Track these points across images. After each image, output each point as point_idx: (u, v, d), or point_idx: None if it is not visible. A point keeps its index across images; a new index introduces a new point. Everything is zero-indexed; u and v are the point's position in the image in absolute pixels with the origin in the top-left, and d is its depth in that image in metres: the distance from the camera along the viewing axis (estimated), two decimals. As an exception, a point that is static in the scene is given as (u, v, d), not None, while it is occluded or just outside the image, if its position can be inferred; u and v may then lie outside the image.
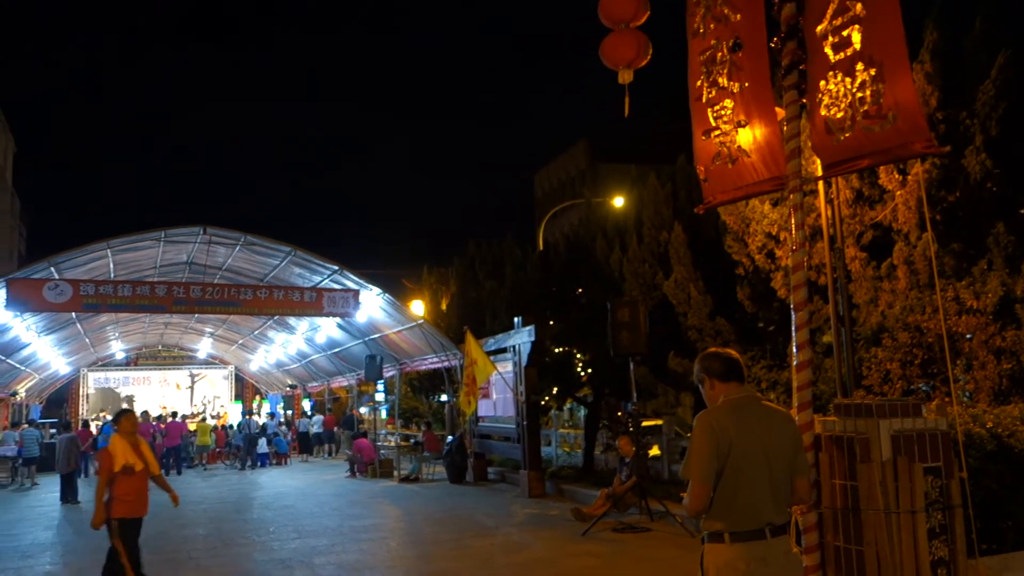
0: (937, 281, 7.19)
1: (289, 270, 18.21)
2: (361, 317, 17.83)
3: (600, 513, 10.45)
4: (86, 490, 17.86)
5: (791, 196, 4.49)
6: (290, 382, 32.21)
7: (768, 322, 10.85)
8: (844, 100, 4.31)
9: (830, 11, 4.36)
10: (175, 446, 22.02)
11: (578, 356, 15.98)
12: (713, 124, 5.05)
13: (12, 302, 14.32)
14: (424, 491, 15.80)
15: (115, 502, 6.74)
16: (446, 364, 18.37)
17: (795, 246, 4.46)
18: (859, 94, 4.25)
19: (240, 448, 24.14)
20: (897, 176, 8.32)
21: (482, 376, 15.20)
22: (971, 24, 8.38)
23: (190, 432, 23.94)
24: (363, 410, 28.80)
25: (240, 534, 11.33)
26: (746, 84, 4.84)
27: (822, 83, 4.42)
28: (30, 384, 28.50)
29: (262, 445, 23.51)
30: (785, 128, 4.55)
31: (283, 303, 16.88)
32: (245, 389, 35.91)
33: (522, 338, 14.65)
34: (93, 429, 23.73)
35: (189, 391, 33.97)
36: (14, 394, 27.03)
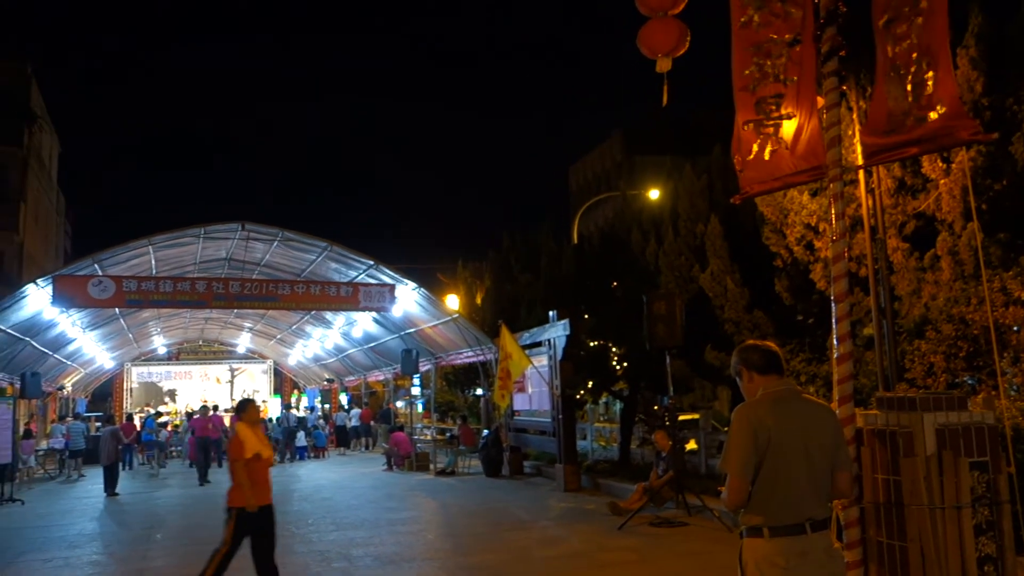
0: (984, 271, 7.00)
1: (325, 265, 18.38)
2: (397, 311, 17.94)
3: (637, 507, 10.39)
4: (129, 483, 18.27)
5: (831, 185, 4.41)
6: (327, 376, 32.57)
7: (807, 315, 10.67)
8: (901, 91, 4.23)
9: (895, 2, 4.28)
10: (216, 439, 22.38)
11: (614, 350, 15.90)
12: (758, 115, 4.96)
13: (58, 298, 14.66)
14: (460, 484, 15.87)
15: (240, 490, 6.75)
16: (481, 358, 18.41)
17: (835, 236, 4.38)
18: (911, 85, 4.16)
19: (279, 441, 24.48)
20: (941, 164, 8.12)
21: (517, 370, 15.21)
22: (1016, 7, 8.14)
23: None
24: (399, 404, 29.03)
25: (280, 526, 11.39)
26: (795, 77, 4.77)
27: (883, 74, 4.33)
28: (76, 378, 29.21)
29: (300, 438, 23.81)
30: (824, 116, 4.46)
31: (320, 298, 17.06)
32: (283, 383, 36.40)
33: (557, 332, 14.62)
34: (137, 422, 24.28)
35: (229, 385, 34.50)
36: (61, 388, 27.72)
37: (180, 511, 13.63)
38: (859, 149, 6.84)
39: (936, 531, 3.86)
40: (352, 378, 30.64)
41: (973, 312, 7.73)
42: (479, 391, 22.24)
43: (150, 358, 33.64)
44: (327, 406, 32.83)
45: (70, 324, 19.02)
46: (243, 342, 33.11)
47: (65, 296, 14.70)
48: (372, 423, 27.36)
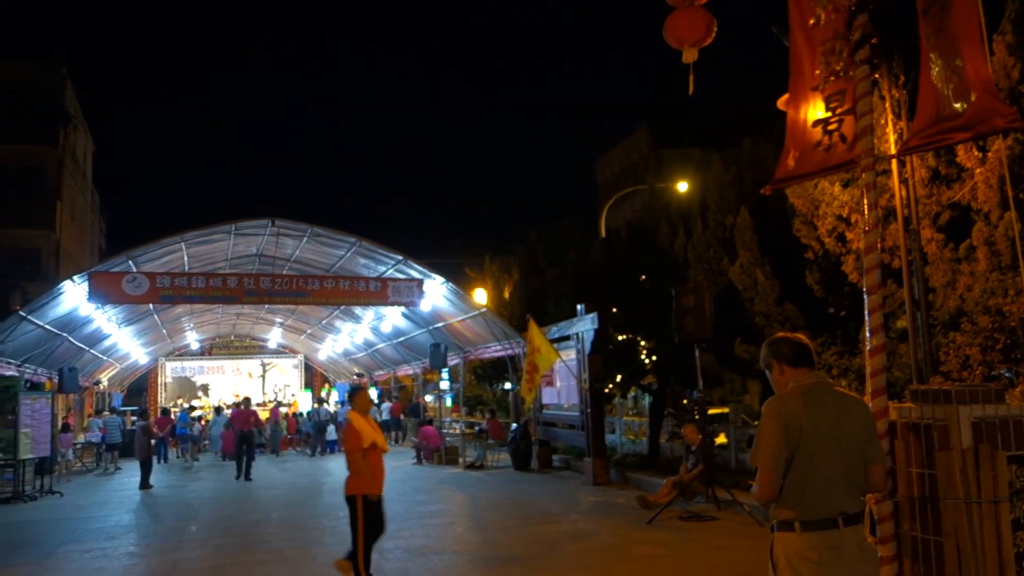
0: (1022, 262, 6.85)
1: (354, 260, 18.51)
2: (425, 306, 18.01)
3: (666, 501, 10.35)
4: (163, 476, 18.59)
5: (863, 175, 4.34)
6: (357, 370, 32.81)
7: (839, 307, 10.54)
8: (940, 79, 4.16)
9: None
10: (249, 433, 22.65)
11: (642, 343, 15.84)
12: (826, 114, 4.91)
13: (94, 295, 14.92)
14: (489, 478, 15.93)
15: (360, 479, 6.87)
16: (509, 352, 18.44)
17: (868, 227, 4.31)
18: (947, 72, 4.09)
19: (310, 435, 24.75)
20: (977, 153, 7.96)
21: (545, 364, 15.21)
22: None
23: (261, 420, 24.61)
24: (428, 398, 29.18)
25: (311, 518, 11.62)
26: (852, 73, 4.73)
27: (928, 61, 4.27)
28: (112, 373, 29.75)
29: (331, 432, 24.04)
30: (856, 105, 4.39)
31: (349, 293, 17.19)
32: (314, 378, 36.74)
33: (585, 326, 14.59)
34: (172, 417, 24.66)
35: (261, 380, 34.90)
36: (98, 383, 28.25)
37: (213, 504, 13.84)
38: (892, 138, 6.75)
39: (972, 526, 3.80)
40: (381, 372, 30.84)
41: (1010, 304, 7.58)
42: (507, 385, 22.28)
43: (183, 353, 34.13)
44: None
45: (105, 320, 19.36)
46: (274, 337, 33.47)
47: (101, 292, 14.96)
48: (402, 417, 27.54)
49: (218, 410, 27.16)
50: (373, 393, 32.49)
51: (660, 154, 42.35)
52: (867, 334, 4.28)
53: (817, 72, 4.99)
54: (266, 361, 35.34)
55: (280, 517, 11.99)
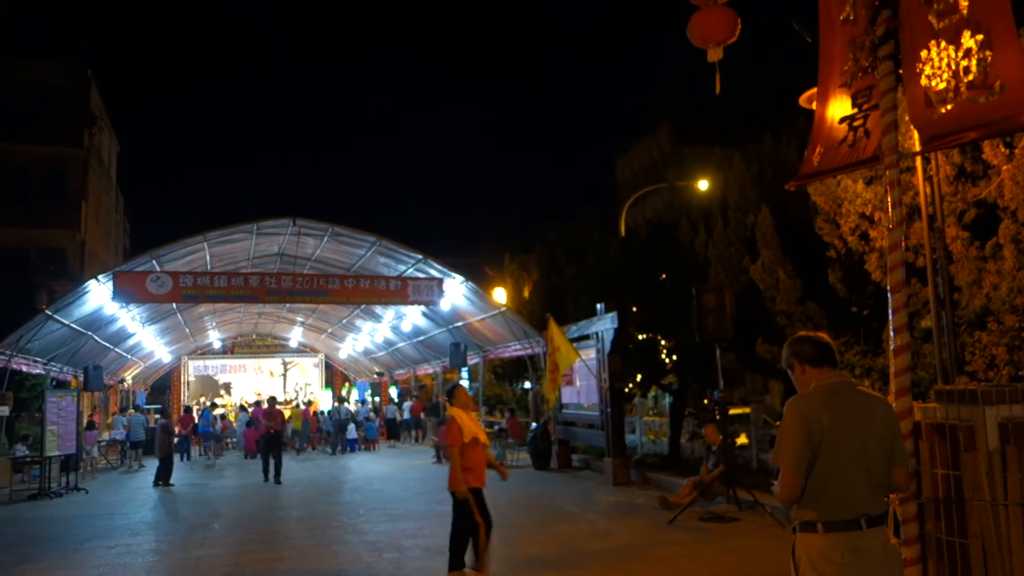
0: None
1: (375, 260, 18.59)
2: (445, 305, 18.06)
3: (687, 502, 10.30)
4: (186, 473, 18.77)
5: (887, 173, 4.29)
6: (377, 370, 32.96)
7: (862, 306, 10.43)
8: (947, 70, 4.07)
9: None
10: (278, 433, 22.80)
11: (662, 343, 15.77)
12: (853, 110, 4.86)
13: (118, 294, 15.10)
14: (509, 477, 15.92)
15: (465, 473, 6.95)
16: (529, 351, 18.43)
17: (892, 224, 4.26)
18: (964, 63, 4.00)
19: (330, 433, 24.89)
20: (1003, 150, 7.84)
21: (565, 363, 15.20)
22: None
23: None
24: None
25: (332, 516, 11.68)
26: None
27: (923, 52, 4.19)
28: (136, 372, 30.09)
29: (352, 431, 24.17)
30: (880, 101, 4.34)
31: (369, 292, 17.27)
32: (334, 376, 36.95)
33: (605, 325, 14.55)
34: (195, 415, 24.91)
35: (282, 378, 35.15)
36: (122, 381, 28.58)
37: (235, 502, 13.95)
38: (916, 135, 6.66)
39: (999, 528, 3.74)
40: (401, 371, 30.96)
41: (1038, 303, 7.47)
42: (527, 384, 22.28)
43: (206, 352, 34.45)
44: (377, 399, 33.25)
45: (130, 319, 19.58)
46: (295, 336, 33.70)
47: (125, 291, 15.13)
48: (422, 416, 27.64)
49: (242, 408, 27.42)
50: (393, 392, 32.67)
51: (680, 151, 42.15)
52: (891, 333, 4.22)
53: (845, 68, 4.94)
54: (287, 360, 35.59)
55: (301, 515, 12.06)
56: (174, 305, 20.49)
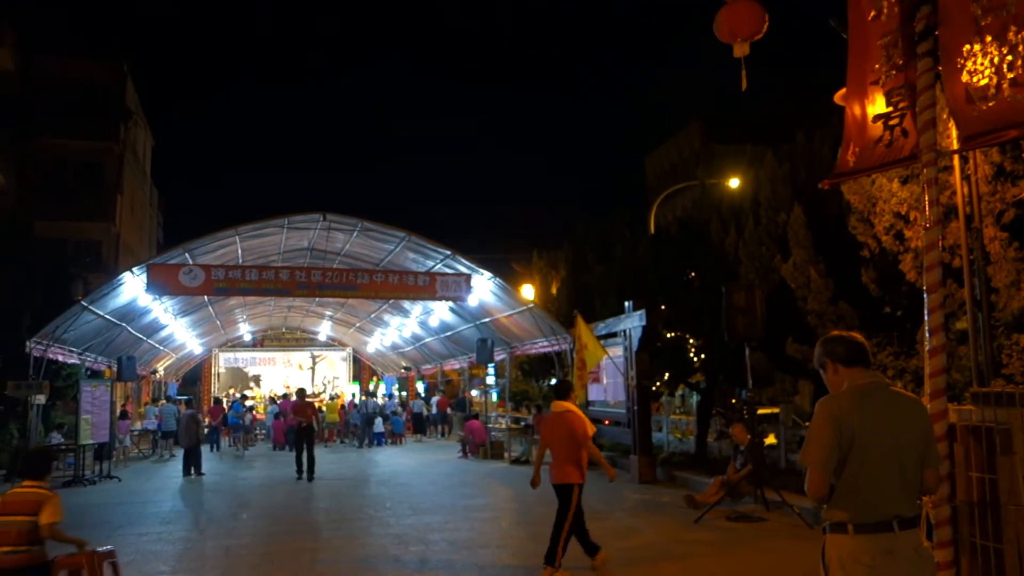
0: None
1: (403, 255, 18.66)
2: (472, 301, 18.09)
3: (713, 501, 10.23)
4: (216, 463, 19.02)
5: (924, 171, 4.22)
6: (404, 364, 33.11)
7: (895, 307, 10.28)
8: (990, 67, 3.99)
9: None
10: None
11: (691, 341, 15.67)
12: (888, 108, 4.80)
13: (151, 286, 15.33)
14: (529, 472, 15.92)
15: (579, 468, 7.38)
16: (556, 348, 18.41)
17: (928, 224, 4.20)
18: (1008, 59, 3.92)
19: (357, 427, 25.08)
20: (1045, 149, 7.68)
21: (592, 360, 15.16)
22: None
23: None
24: (474, 393, 29.32)
25: (359, 509, 11.78)
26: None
27: (965, 48, 4.11)
28: (168, 363, 30.54)
29: (379, 425, 24.33)
30: (919, 98, 4.27)
31: (398, 287, 17.35)
32: (362, 370, 37.19)
33: (633, 322, 14.49)
34: (225, 406, 25.23)
35: (311, 372, 35.46)
36: (154, 372, 29.03)
37: (264, 492, 14.12)
38: (954, 133, 6.54)
39: (1035, 533, 3.68)
40: (429, 366, 31.08)
41: (1078, 305, 7.30)
42: (553, 381, 22.23)
43: (236, 344, 34.84)
44: (404, 393, 33.42)
45: (162, 311, 19.87)
46: (324, 330, 33.96)
47: (158, 284, 15.35)
48: (448, 411, 27.74)
49: (272, 400, 27.72)
50: (420, 387, 32.81)
51: (711, 149, 41.80)
52: (926, 334, 4.16)
53: (877, 66, 4.87)
54: (316, 353, 35.87)
55: (328, 507, 12.18)
56: (206, 298, 20.75)
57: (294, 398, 19.42)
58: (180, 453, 19.80)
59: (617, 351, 15.24)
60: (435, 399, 28.51)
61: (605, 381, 16.84)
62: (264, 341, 35.58)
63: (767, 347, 12.32)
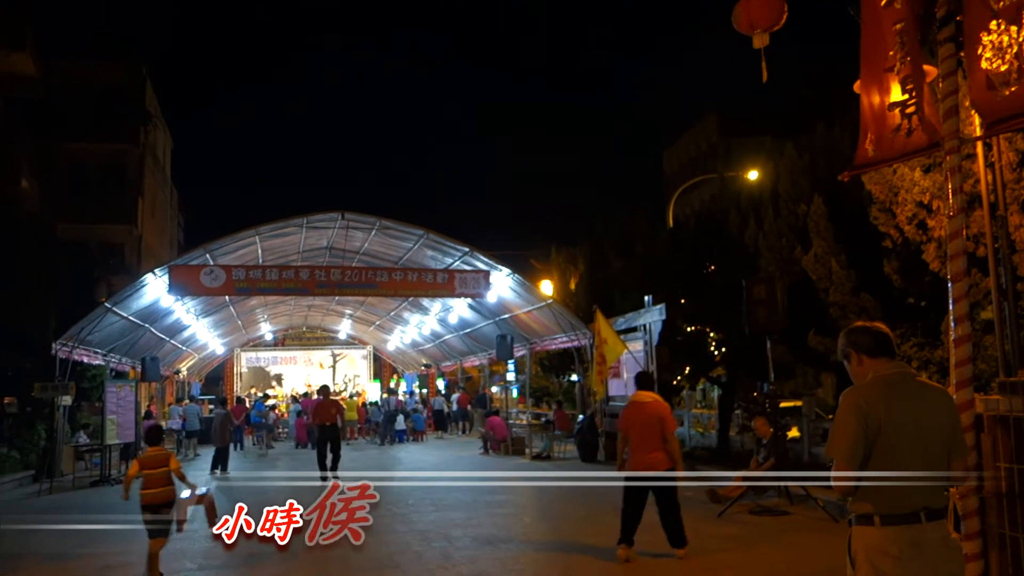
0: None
1: (422, 252, 18.72)
2: (491, 298, 18.11)
3: (736, 495, 10.18)
4: (239, 462, 19.18)
5: (948, 158, 4.17)
6: (424, 361, 33.22)
7: (919, 297, 10.17)
8: (1009, 51, 3.94)
9: None
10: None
11: (711, 335, 15.60)
12: (903, 96, 4.74)
13: (174, 287, 15.49)
14: (555, 469, 15.94)
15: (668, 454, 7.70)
16: (576, 344, 18.39)
17: (952, 212, 4.15)
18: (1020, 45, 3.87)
19: (379, 424, 25.20)
20: (1070, 135, 7.56)
21: (612, 355, 15.13)
22: None
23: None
24: (495, 389, 29.36)
25: (382, 505, 11.71)
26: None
27: (983, 34, 4.06)
28: (191, 363, 30.84)
29: (400, 422, 24.43)
30: (940, 85, 4.22)
31: (417, 284, 17.41)
32: (383, 368, 37.35)
33: (653, 317, 14.45)
34: (247, 405, 25.44)
35: (331, 370, 35.66)
36: (177, 372, 29.33)
37: (287, 490, 14.20)
38: (977, 121, 6.46)
39: (1066, 524, 3.63)
40: (448, 363, 31.17)
41: (1106, 293, 7.19)
42: (574, 376, 22.24)
43: (258, 344, 35.12)
44: (424, 391, 33.55)
45: (184, 311, 20.06)
46: (344, 328, 34.14)
47: (180, 284, 15.51)
48: (469, 407, 27.80)
49: (294, 399, 27.92)
50: (440, 384, 32.91)
51: (729, 142, 41.53)
52: (951, 323, 4.12)
53: (891, 53, 4.81)
54: (336, 352, 36.07)
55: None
56: (227, 298, 20.94)
57: (315, 396, 19.27)
58: (204, 453, 20.00)
59: (637, 346, 15.20)
60: (455, 396, 28.59)
61: (625, 376, 16.79)
62: (285, 340, 35.82)
63: (789, 340, 12.25)
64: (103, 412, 15.91)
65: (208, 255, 16.26)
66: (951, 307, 4.12)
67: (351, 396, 31.00)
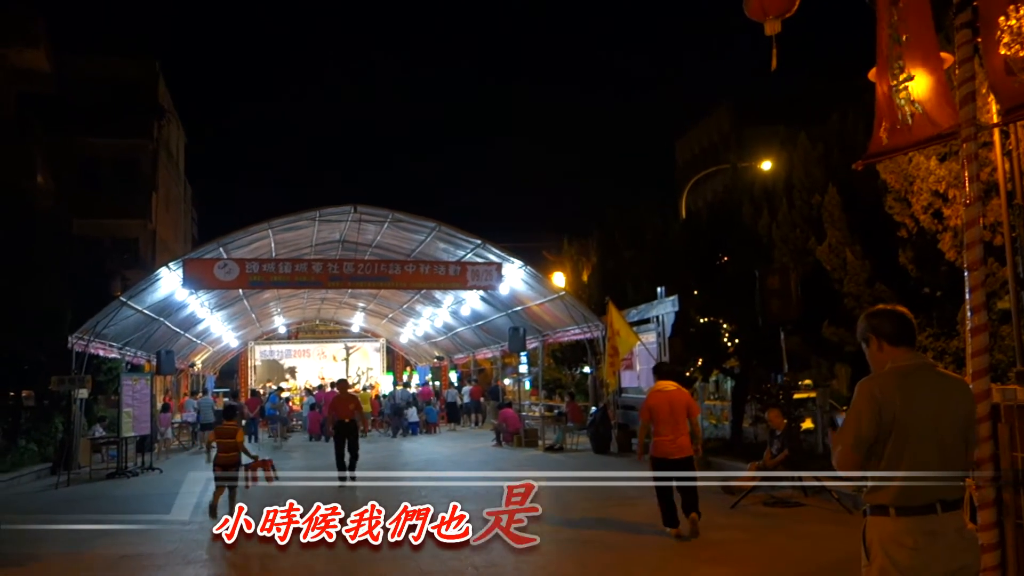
0: None
1: (434, 245, 18.73)
2: (504, 290, 18.11)
3: (750, 487, 10.15)
4: (256, 452, 19.27)
5: (964, 146, 4.12)
6: (437, 354, 33.29)
7: (934, 287, 10.09)
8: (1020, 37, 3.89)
9: None
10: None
11: (724, 326, 15.54)
12: (894, 82, 4.69)
13: (188, 280, 15.57)
14: (568, 460, 15.95)
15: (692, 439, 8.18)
16: (588, 336, 18.37)
17: (968, 200, 4.10)
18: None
19: (392, 416, 25.27)
20: (1088, 122, 7.46)
21: (625, 347, 15.10)
22: None
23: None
24: (507, 381, 29.38)
25: (394, 497, 11.79)
26: (906, 37, 4.49)
27: (1001, 19, 4.01)
28: (205, 356, 31.04)
29: (412, 414, 24.48)
30: (957, 72, 4.17)
31: (429, 277, 17.43)
32: (396, 361, 37.44)
33: (665, 308, 14.41)
34: (261, 398, 25.59)
35: (344, 363, 35.79)
36: (192, 365, 29.52)
37: (301, 483, 14.26)
38: (994, 107, 6.39)
39: (1084, 515, 3.59)
40: (461, 356, 31.22)
41: (1126, 282, 7.10)
42: (586, 368, 22.23)
43: (271, 337, 35.26)
44: (437, 383, 33.63)
45: (199, 305, 20.17)
46: (357, 321, 34.25)
47: (194, 278, 15.59)
48: (481, 400, 27.84)
49: (308, 392, 28.05)
50: (453, 376, 32.98)
51: (742, 132, 41.29)
52: (967, 313, 4.07)
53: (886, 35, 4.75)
54: (349, 345, 36.18)
55: (364, 496, 12.24)
56: (241, 291, 21.03)
57: (329, 389, 19.19)
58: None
59: (650, 337, 15.17)
60: (468, 388, 28.64)
61: (638, 368, 16.77)
62: (298, 333, 35.95)
63: (803, 331, 12.17)
64: (119, 405, 16.04)
65: (221, 249, 16.33)
66: (967, 296, 4.07)
67: (364, 389, 31.12)
